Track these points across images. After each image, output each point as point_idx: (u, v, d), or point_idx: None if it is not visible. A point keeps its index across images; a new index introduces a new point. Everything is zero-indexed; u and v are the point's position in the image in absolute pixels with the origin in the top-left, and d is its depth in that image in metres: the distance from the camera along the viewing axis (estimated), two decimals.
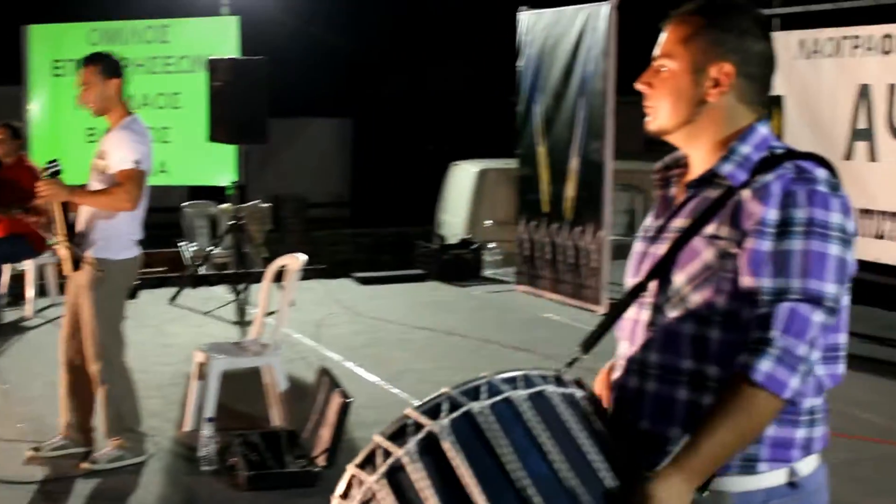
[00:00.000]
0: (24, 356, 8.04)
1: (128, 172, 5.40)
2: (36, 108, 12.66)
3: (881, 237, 7.84)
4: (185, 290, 10.21)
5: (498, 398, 2.04)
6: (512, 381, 2.08)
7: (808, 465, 2.22)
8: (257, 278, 9.56)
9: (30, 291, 9.46)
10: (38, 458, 5.67)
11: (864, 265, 7.86)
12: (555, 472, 1.96)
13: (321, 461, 5.36)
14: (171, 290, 10.16)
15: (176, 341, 8.49)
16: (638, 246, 2.38)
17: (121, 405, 5.59)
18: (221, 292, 10.32)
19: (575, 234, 10.13)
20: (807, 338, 2.04)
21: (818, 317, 2.06)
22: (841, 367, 2.21)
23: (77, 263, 5.47)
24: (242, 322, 9.10)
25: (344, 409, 5.33)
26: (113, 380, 5.53)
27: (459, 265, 11.68)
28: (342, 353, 8.08)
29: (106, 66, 5.55)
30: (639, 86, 2.32)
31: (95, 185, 5.55)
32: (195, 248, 11.56)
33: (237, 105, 9.59)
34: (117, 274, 5.53)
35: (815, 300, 2.06)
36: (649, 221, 2.39)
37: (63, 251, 5.52)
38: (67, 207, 5.53)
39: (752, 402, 2.02)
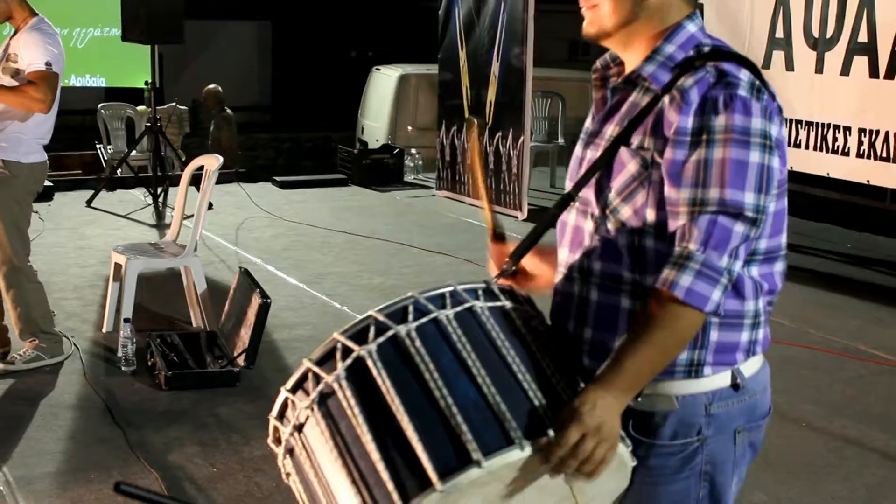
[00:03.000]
0: None
1: (41, 73, 5.27)
2: None
3: (797, 146, 7.97)
4: (102, 192, 10.07)
5: (424, 320, 1.98)
6: (440, 299, 2.02)
7: (751, 367, 2.22)
8: (175, 182, 9.49)
9: None
10: None
11: None
12: (483, 397, 1.92)
13: (241, 361, 5.37)
14: (88, 193, 10.01)
15: (93, 243, 8.39)
16: (577, 149, 2.32)
17: (31, 308, 5.51)
18: (139, 195, 10.21)
19: (496, 140, 10.14)
20: (727, 249, 2.00)
21: (739, 227, 2.01)
22: (780, 266, 2.20)
23: None
24: (160, 225, 9.03)
25: (263, 310, 5.33)
26: (20, 283, 5.45)
27: (380, 170, 11.66)
28: (262, 256, 8.06)
29: None
30: None
31: (5, 82, 5.41)
32: (112, 150, 11.37)
33: (152, 4, 9.41)
34: (24, 177, 5.40)
35: (735, 211, 2.01)
36: (587, 124, 2.32)
37: None
38: None
39: (675, 318, 2.00)
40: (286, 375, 2.08)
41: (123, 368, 5.53)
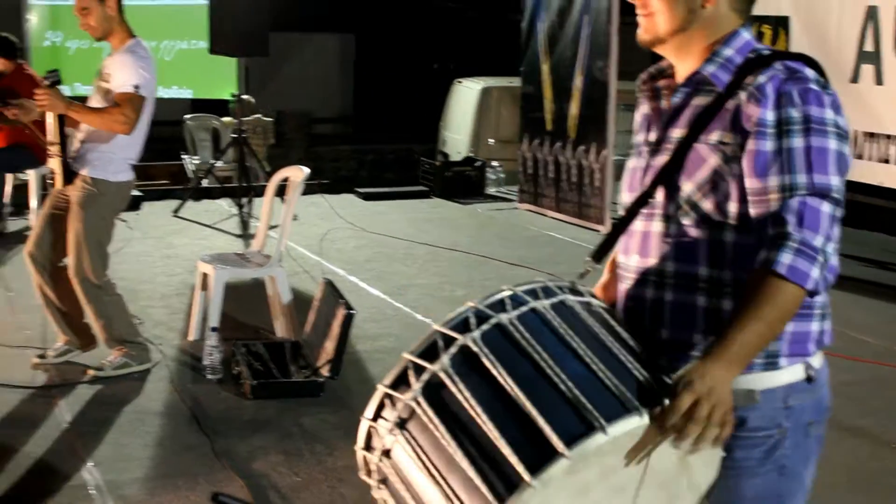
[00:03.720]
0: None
1: (127, 96, 5.36)
2: (33, 19, 12.62)
3: (886, 161, 7.82)
4: (188, 202, 10.21)
5: (524, 308, 2.06)
6: (533, 293, 2.10)
7: (818, 360, 2.28)
8: (260, 192, 9.59)
9: (33, 201, 9.45)
10: (44, 365, 5.73)
11: (867, 189, 7.88)
12: (593, 373, 1.98)
13: (325, 372, 5.41)
14: (175, 203, 10.16)
15: (179, 253, 8.52)
16: (632, 162, 2.40)
17: (112, 320, 5.61)
18: (224, 205, 10.35)
19: (578, 153, 10.11)
20: (821, 229, 2.08)
21: (827, 208, 2.10)
22: (835, 259, 2.22)
23: (70, 177, 5.45)
24: (245, 235, 9.14)
25: (347, 321, 5.36)
26: (98, 297, 5.53)
27: (462, 182, 11.70)
28: (345, 267, 8.12)
29: None
30: None
31: (95, 104, 5.51)
32: (198, 160, 11.53)
33: (238, 17, 9.53)
34: (111, 195, 5.51)
35: (823, 193, 2.10)
36: (641, 137, 2.40)
37: (55, 163, 5.50)
38: (64, 121, 5.47)
39: (778, 294, 2.04)
40: (370, 387, 2.09)
41: (209, 377, 5.60)
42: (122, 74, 5.39)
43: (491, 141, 12.96)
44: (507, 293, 2.10)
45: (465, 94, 13.53)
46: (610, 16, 9.53)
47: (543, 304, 2.07)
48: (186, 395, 5.42)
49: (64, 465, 4.57)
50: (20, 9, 13.18)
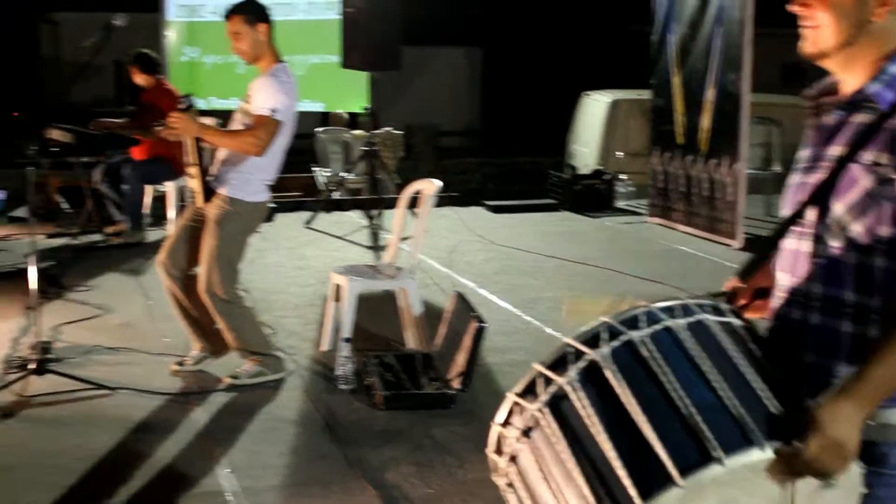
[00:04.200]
0: None
1: (263, 119, 5.46)
2: (172, 35, 12.98)
3: None
4: (320, 214, 10.36)
5: (658, 327, 2.03)
6: (670, 310, 2.07)
7: None
8: (390, 204, 9.68)
9: (171, 212, 9.72)
10: (181, 372, 5.87)
11: None
12: (720, 399, 1.93)
13: (456, 384, 5.43)
14: (306, 214, 10.32)
15: (311, 264, 8.65)
16: (794, 177, 2.31)
17: (244, 332, 5.73)
18: (355, 217, 10.47)
19: (710, 167, 9.98)
20: None
21: None
22: None
23: (209, 196, 5.58)
24: (376, 247, 9.22)
25: (479, 334, 5.38)
26: (230, 312, 5.65)
27: (591, 196, 11.64)
28: (475, 280, 8.14)
29: (251, 12, 5.57)
30: (794, 7, 2.20)
31: (237, 125, 5.64)
32: (329, 173, 11.70)
33: (370, 32, 9.64)
34: (246, 215, 5.64)
35: None
36: (804, 152, 2.31)
37: (195, 183, 5.64)
38: (200, 143, 5.61)
39: None
40: (500, 399, 2.11)
41: (342, 387, 5.67)
42: (260, 97, 5.50)
43: (619, 154, 12.88)
44: (642, 309, 2.07)
45: (594, 107, 13.47)
46: (743, 27, 9.38)
47: (679, 323, 2.04)
48: (319, 405, 5.49)
49: (201, 470, 4.67)
50: (158, 26, 13.57)
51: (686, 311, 2.07)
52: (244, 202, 5.59)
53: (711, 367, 1.98)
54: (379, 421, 5.29)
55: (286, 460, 4.81)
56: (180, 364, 5.92)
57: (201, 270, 5.61)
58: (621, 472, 1.89)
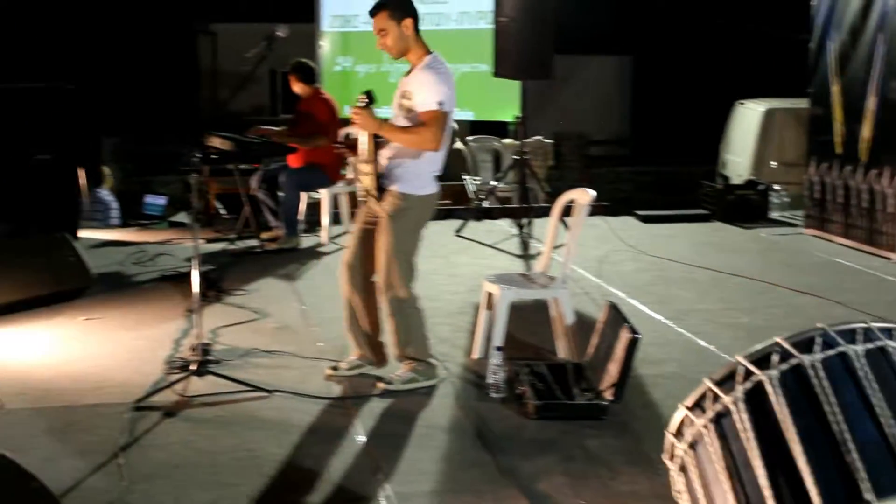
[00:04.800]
0: (321, 280, 8.45)
1: (432, 114, 5.50)
2: (326, 45, 13.23)
3: None
4: (470, 222, 10.42)
5: (832, 352, 1.96)
6: (850, 334, 2.00)
7: None
8: (540, 213, 9.69)
9: (325, 219, 9.90)
10: (335, 376, 5.97)
11: None
12: (884, 437, 1.86)
13: (608, 395, 5.38)
14: (457, 222, 10.39)
15: (462, 272, 8.69)
16: None
17: (410, 335, 5.78)
18: (505, 225, 10.49)
19: (870, 177, 9.69)
20: None
21: None
22: None
23: (381, 194, 5.66)
24: (526, 255, 9.24)
25: (632, 345, 5.33)
26: (403, 310, 5.72)
27: (745, 206, 11.43)
28: (625, 290, 8.06)
29: (395, 7, 5.60)
30: None
31: (401, 122, 5.69)
32: (479, 181, 11.75)
33: (523, 41, 9.65)
34: (418, 208, 5.69)
35: None
36: None
37: (368, 181, 5.71)
38: (377, 141, 5.67)
39: None
40: (653, 412, 2.09)
41: (493, 395, 5.67)
42: (424, 93, 5.55)
43: (774, 164, 12.62)
44: (818, 332, 2.01)
45: (748, 116, 13.24)
46: None
47: (856, 350, 1.96)
48: (471, 413, 5.51)
49: (354, 474, 4.72)
50: (314, 36, 13.84)
51: (868, 336, 1.99)
52: (415, 196, 5.65)
53: (882, 399, 1.89)
54: (530, 430, 5.28)
55: (438, 467, 4.84)
56: (335, 368, 6.01)
57: (380, 270, 5.70)
58: (770, 502, 1.84)
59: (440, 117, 5.51)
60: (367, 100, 5.58)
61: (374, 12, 5.66)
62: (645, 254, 9.51)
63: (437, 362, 6.05)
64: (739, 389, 1.96)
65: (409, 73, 5.71)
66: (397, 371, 5.83)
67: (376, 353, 6.00)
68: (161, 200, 13.53)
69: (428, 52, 5.68)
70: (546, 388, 5.63)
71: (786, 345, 1.98)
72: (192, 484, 4.57)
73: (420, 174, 5.66)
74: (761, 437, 1.89)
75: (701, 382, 2.03)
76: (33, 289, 7.50)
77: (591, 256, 9.24)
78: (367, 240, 5.81)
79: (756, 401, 1.95)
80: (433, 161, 5.68)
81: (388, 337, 5.86)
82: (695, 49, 17.63)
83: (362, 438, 5.12)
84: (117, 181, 13.68)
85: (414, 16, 5.65)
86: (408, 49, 5.66)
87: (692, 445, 2.03)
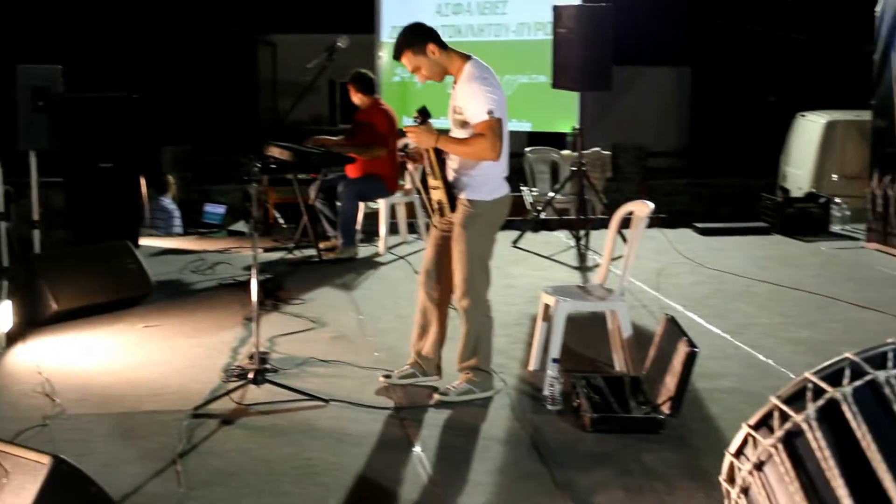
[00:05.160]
0: (377, 290, 8.47)
1: (486, 123, 5.52)
2: (385, 56, 13.30)
3: None
4: (527, 233, 10.40)
5: None
6: None
7: None
8: (597, 225, 9.65)
9: (382, 229, 9.92)
10: (389, 385, 5.98)
11: None
12: None
13: (666, 409, 5.35)
14: (514, 234, 10.37)
15: (518, 283, 8.67)
16: None
17: (479, 344, 5.80)
18: (562, 237, 10.46)
19: None
20: None
21: None
22: None
23: (453, 204, 5.68)
24: (583, 267, 9.20)
25: (690, 359, 5.29)
26: (477, 318, 5.75)
27: (805, 219, 11.30)
28: (683, 303, 8.00)
29: (414, 43, 5.66)
30: None
31: (457, 133, 5.71)
32: (536, 192, 11.74)
33: (581, 52, 9.63)
34: (490, 213, 5.71)
35: None
36: None
37: (439, 194, 5.73)
38: (441, 154, 5.70)
39: None
40: (710, 426, 2.06)
41: (549, 407, 5.66)
42: (474, 104, 5.56)
43: (835, 177, 12.49)
44: (891, 346, 1.98)
45: (809, 128, 13.11)
46: None
47: None
48: (527, 424, 5.49)
49: (410, 485, 4.72)
50: (373, 46, 13.92)
51: None
52: (486, 202, 5.68)
53: None
54: (586, 443, 5.25)
55: (494, 478, 4.83)
56: (387, 377, 6.03)
57: (456, 278, 5.73)
58: None
59: (494, 125, 5.53)
60: (421, 117, 5.63)
61: (397, 57, 5.75)
62: (703, 266, 9.44)
63: (495, 373, 6.03)
64: (811, 407, 1.92)
65: (455, 84, 5.74)
66: (454, 382, 5.83)
67: (434, 365, 6.01)
68: (220, 209, 13.67)
69: (465, 59, 5.69)
70: (603, 400, 5.60)
71: (857, 360, 1.94)
72: (248, 491, 4.60)
73: (488, 179, 5.68)
74: (840, 456, 1.86)
75: (764, 399, 1.98)
76: (95, 296, 7.60)
77: (648, 269, 9.18)
78: (443, 248, 5.85)
79: (831, 419, 1.91)
80: (498, 165, 5.70)
81: (458, 347, 5.86)
82: (755, 60, 17.50)
83: (418, 449, 5.12)
84: (180, 190, 13.84)
85: (433, 38, 5.70)
86: (445, 68, 5.71)
87: (758, 466, 1.99)
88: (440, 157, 5.69)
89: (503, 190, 5.77)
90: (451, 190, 5.68)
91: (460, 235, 5.67)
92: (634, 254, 6.26)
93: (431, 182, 5.77)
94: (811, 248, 10.61)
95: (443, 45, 5.70)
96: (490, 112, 5.52)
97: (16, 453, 3.78)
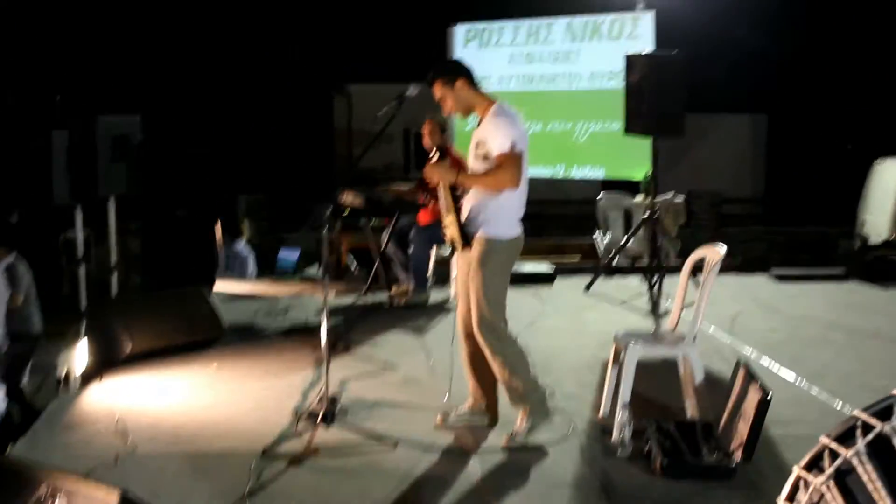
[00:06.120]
0: (448, 334, 8.39)
1: (506, 155, 5.59)
2: None
3: None
4: (600, 278, 10.35)
5: None
6: None
7: None
8: (670, 271, 9.58)
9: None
10: (444, 426, 5.98)
11: None
12: None
13: (738, 455, 5.26)
14: (586, 279, 10.33)
15: (590, 328, 8.63)
16: None
17: (517, 370, 5.78)
18: (635, 283, 10.39)
19: None
20: None
21: None
22: None
23: (468, 241, 5.71)
24: (656, 313, 9.13)
25: (763, 405, 5.21)
26: (503, 349, 5.74)
27: (883, 266, 11.12)
28: (758, 349, 7.89)
29: (444, 74, 5.80)
30: None
31: (477, 168, 5.78)
32: (609, 238, 11.69)
33: (653, 100, 9.61)
34: (504, 252, 5.74)
35: None
36: None
37: (452, 230, 5.78)
38: (456, 191, 5.78)
39: None
40: (784, 473, 2.02)
41: (619, 452, 5.60)
42: (496, 138, 5.63)
43: None
44: None
45: (887, 175, 12.90)
46: None
47: None
48: (596, 469, 5.44)
49: None
50: None
51: None
52: (501, 240, 5.71)
53: None
54: (657, 489, 5.18)
55: None
56: (444, 418, 6.04)
57: (472, 312, 5.75)
58: None
59: (514, 157, 5.59)
60: (438, 154, 5.75)
61: (430, 83, 5.88)
62: (778, 312, 9.31)
63: (549, 393, 5.98)
64: (861, 443, 1.90)
65: (479, 124, 5.81)
66: (516, 425, 5.81)
67: (490, 410, 6.05)
68: (294, 255, 13.78)
69: (492, 102, 5.78)
70: (673, 446, 5.53)
71: None
72: None
73: (503, 218, 5.72)
74: (892, 487, 1.83)
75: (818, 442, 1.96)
76: (168, 338, 7.72)
77: (722, 314, 9.08)
78: (468, 290, 5.86)
79: (881, 451, 1.89)
80: (515, 204, 5.74)
81: (500, 383, 5.85)
82: (831, 106, 17.33)
83: (484, 492, 5.09)
84: (254, 235, 13.99)
85: (465, 75, 5.81)
86: (471, 106, 5.81)
87: None
88: (454, 194, 5.77)
89: (517, 229, 5.81)
90: (464, 227, 5.72)
91: (476, 273, 5.70)
92: (707, 299, 6.19)
93: (446, 219, 5.83)
94: (889, 296, 10.42)
95: (473, 85, 5.82)
96: (513, 145, 5.59)
97: (86, 490, 3.83)
